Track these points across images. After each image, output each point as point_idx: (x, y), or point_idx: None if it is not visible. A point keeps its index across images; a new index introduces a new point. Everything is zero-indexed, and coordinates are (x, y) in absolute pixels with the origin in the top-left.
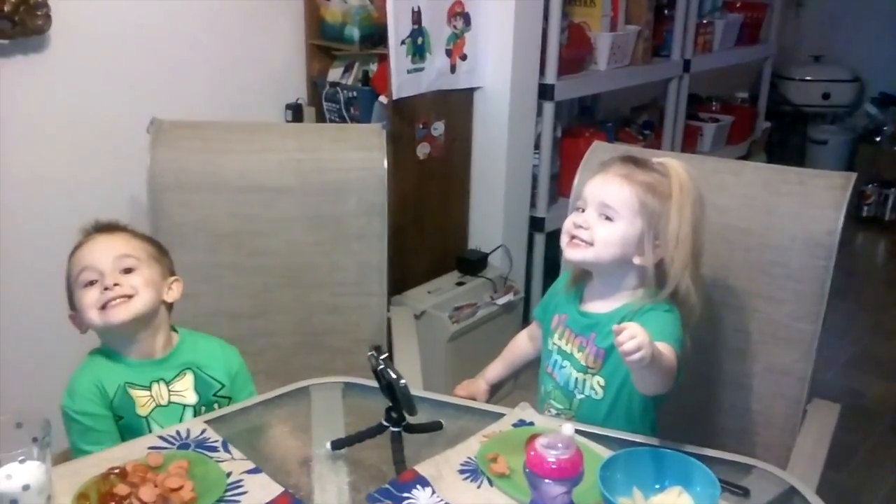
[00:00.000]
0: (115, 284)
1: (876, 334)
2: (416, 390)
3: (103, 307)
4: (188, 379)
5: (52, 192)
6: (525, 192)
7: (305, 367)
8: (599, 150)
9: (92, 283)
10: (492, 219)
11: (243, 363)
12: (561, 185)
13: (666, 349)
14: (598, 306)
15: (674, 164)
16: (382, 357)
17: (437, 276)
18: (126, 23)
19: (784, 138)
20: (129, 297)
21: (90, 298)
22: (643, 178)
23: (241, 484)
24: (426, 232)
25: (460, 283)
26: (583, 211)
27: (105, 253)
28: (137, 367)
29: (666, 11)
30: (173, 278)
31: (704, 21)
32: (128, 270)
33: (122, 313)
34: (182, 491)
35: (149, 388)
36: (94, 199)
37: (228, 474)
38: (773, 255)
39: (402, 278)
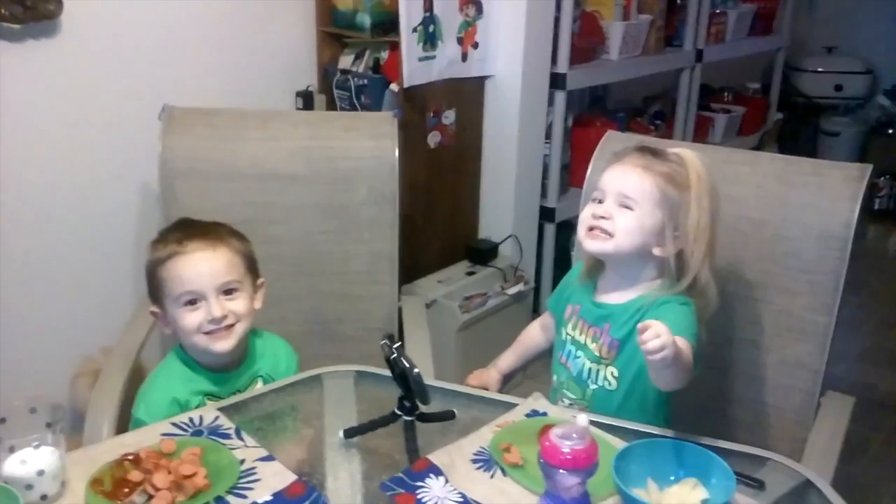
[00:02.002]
0: (223, 316)
1: (888, 327)
2: (429, 379)
3: (207, 333)
4: (258, 388)
5: (64, 178)
6: (536, 182)
7: (317, 355)
8: (612, 139)
9: (193, 302)
10: (502, 208)
11: (298, 367)
12: (572, 175)
13: (683, 344)
14: (612, 297)
15: (689, 154)
16: (396, 346)
17: (448, 265)
18: (138, 10)
19: (796, 130)
20: (233, 325)
21: (193, 321)
22: (662, 169)
23: (254, 471)
24: (436, 221)
25: (470, 273)
26: (601, 202)
27: (210, 278)
28: (218, 379)
29: (678, 1)
30: (260, 281)
31: (717, 11)
32: (230, 292)
33: (227, 343)
34: (195, 478)
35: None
36: (106, 186)
37: (241, 461)
38: (787, 247)
39: (412, 267)
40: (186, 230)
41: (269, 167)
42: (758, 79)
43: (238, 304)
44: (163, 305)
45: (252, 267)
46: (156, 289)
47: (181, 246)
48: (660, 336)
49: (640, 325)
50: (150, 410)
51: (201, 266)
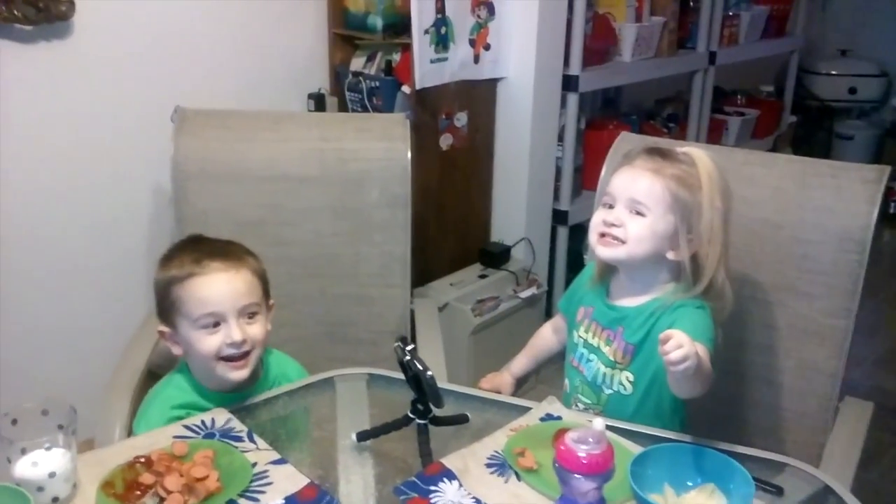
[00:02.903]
0: (243, 340)
1: None
2: (441, 383)
3: (225, 359)
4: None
5: (76, 180)
6: (548, 185)
7: (329, 358)
8: (626, 141)
9: (214, 325)
10: (515, 211)
11: None
12: (585, 178)
13: (703, 352)
14: (626, 300)
15: (699, 153)
16: (409, 348)
17: (460, 268)
18: (150, 11)
19: (810, 133)
20: (249, 352)
21: (212, 345)
22: (673, 171)
23: (266, 474)
24: (448, 224)
25: (483, 276)
26: (611, 207)
27: (232, 301)
28: (226, 400)
29: (691, 3)
30: (271, 303)
31: (730, 13)
32: (250, 315)
33: (244, 373)
34: (207, 481)
35: None
36: (119, 188)
37: (254, 465)
38: (804, 250)
39: (424, 270)
40: (203, 249)
41: (281, 169)
42: (771, 82)
43: (257, 328)
44: (175, 325)
45: (266, 289)
46: (169, 308)
47: (200, 266)
48: (682, 346)
49: (661, 336)
50: (150, 429)
51: (223, 288)
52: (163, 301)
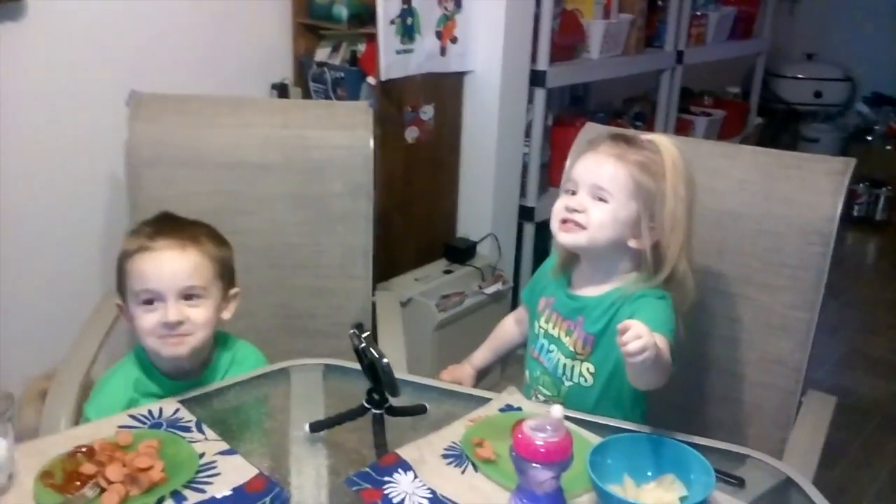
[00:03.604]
0: (178, 322)
1: (867, 333)
2: (401, 374)
3: (161, 337)
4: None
5: (29, 166)
6: (515, 181)
7: (287, 350)
8: (591, 131)
9: (150, 303)
10: (481, 207)
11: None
12: (551, 175)
13: (662, 343)
14: (587, 290)
15: (664, 141)
16: (364, 335)
17: (425, 263)
18: None
19: (776, 136)
20: (188, 334)
21: (148, 323)
22: (636, 158)
23: (214, 465)
24: (414, 218)
25: (448, 272)
26: (574, 193)
27: (171, 280)
28: (176, 387)
29: (659, 2)
30: (233, 292)
31: (698, 13)
32: (190, 297)
33: (178, 350)
34: (152, 471)
35: None
36: (72, 174)
37: (201, 455)
38: (768, 242)
39: (388, 265)
40: (161, 225)
41: (240, 155)
42: (738, 83)
43: (198, 312)
44: (125, 299)
45: (225, 274)
46: (121, 281)
47: (151, 241)
48: (641, 337)
49: (620, 326)
50: (101, 411)
51: (165, 266)
52: (118, 273)
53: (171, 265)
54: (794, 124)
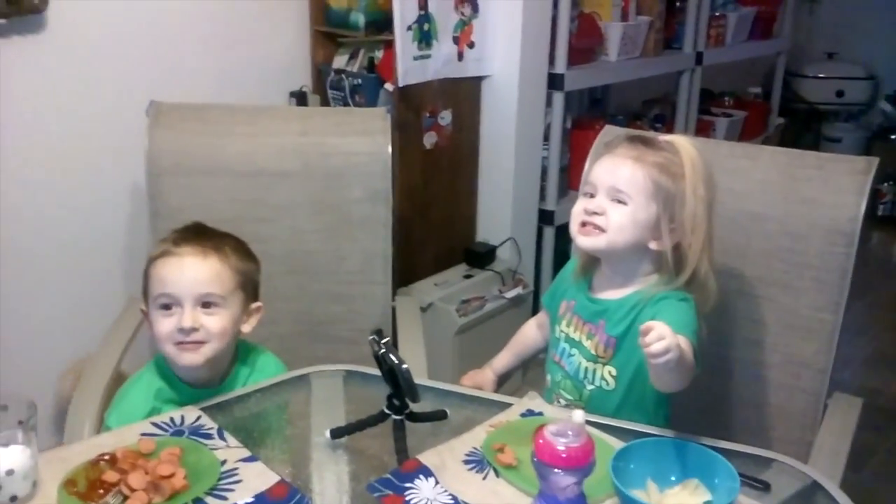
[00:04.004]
0: (193, 329)
1: (893, 333)
2: (421, 379)
3: (177, 343)
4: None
5: (50, 175)
6: (534, 184)
7: (308, 356)
8: (610, 134)
9: (168, 308)
10: (500, 211)
11: None
12: (571, 178)
13: (685, 345)
14: (608, 293)
15: (682, 141)
16: (384, 341)
17: (445, 268)
18: (126, 5)
19: (798, 136)
20: (203, 342)
21: (165, 328)
22: (655, 159)
23: (235, 472)
24: (433, 223)
25: (468, 276)
26: (592, 196)
27: (189, 286)
28: (196, 395)
29: (678, 3)
30: (255, 305)
31: (717, 14)
32: (208, 305)
33: (193, 359)
34: (174, 478)
35: None
36: (93, 183)
37: (223, 462)
38: (791, 243)
39: (408, 271)
40: (187, 233)
41: (259, 163)
42: (759, 84)
43: (214, 320)
44: (147, 303)
45: (248, 287)
46: (145, 285)
47: (175, 247)
48: (664, 338)
49: (642, 327)
50: (121, 420)
51: (185, 271)
52: (143, 278)
53: (191, 271)
54: (817, 124)
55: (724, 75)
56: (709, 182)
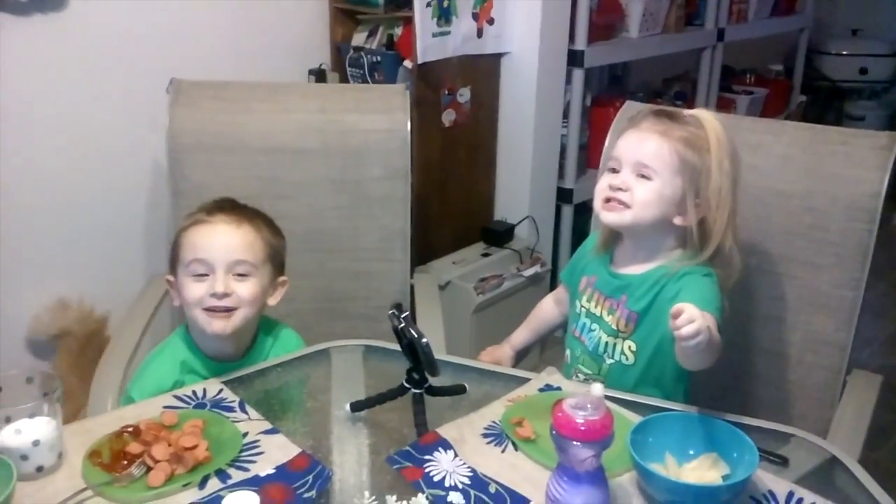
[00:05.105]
0: (225, 294)
1: None
2: (440, 354)
3: (207, 309)
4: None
5: (72, 153)
6: (553, 162)
7: (326, 333)
8: (631, 110)
9: (201, 275)
10: (518, 189)
11: None
12: (590, 156)
13: (711, 322)
14: (630, 268)
15: (706, 115)
16: (403, 315)
17: (463, 246)
18: None
19: (820, 114)
20: (234, 308)
21: (196, 293)
22: (680, 133)
23: (257, 444)
24: (451, 202)
25: (486, 255)
26: (617, 171)
27: (223, 252)
28: (219, 368)
29: None
30: (281, 279)
31: None
32: (240, 275)
33: (224, 325)
34: (196, 450)
35: None
36: (114, 161)
37: (245, 434)
38: (813, 219)
39: (426, 249)
40: (221, 203)
41: (279, 140)
42: (780, 61)
43: (244, 287)
44: (176, 273)
45: (275, 260)
46: (174, 254)
47: (208, 215)
48: (694, 321)
49: (673, 311)
50: (144, 392)
51: (219, 237)
52: (172, 248)
53: (224, 238)
54: (839, 102)
55: (745, 52)
56: (734, 156)
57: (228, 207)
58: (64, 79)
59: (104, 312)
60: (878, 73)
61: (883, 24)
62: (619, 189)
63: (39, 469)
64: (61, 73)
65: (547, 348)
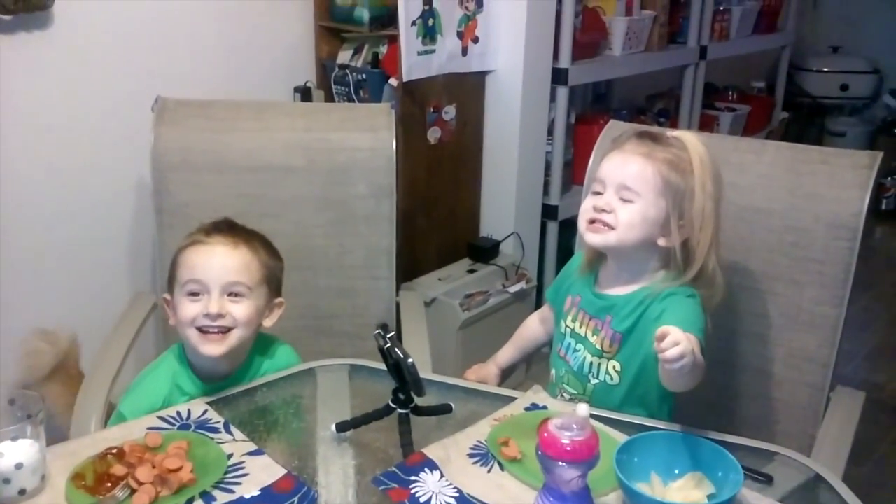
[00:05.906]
0: (219, 315)
1: None
2: (425, 373)
3: (201, 330)
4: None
5: (56, 171)
6: (538, 179)
7: (312, 351)
8: (615, 129)
9: (196, 294)
10: (504, 206)
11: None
12: (574, 173)
13: (695, 344)
14: (614, 289)
15: (689, 137)
16: (389, 335)
17: (448, 263)
18: (131, 1)
19: (802, 130)
20: (228, 329)
21: (190, 313)
22: (664, 155)
23: (242, 465)
24: (437, 218)
25: (471, 271)
26: (601, 193)
27: (219, 273)
28: (213, 389)
29: None
30: (277, 301)
31: (721, 8)
32: (235, 295)
33: (217, 349)
34: (181, 472)
35: None
36: (99, 179)
37: (229, 456)
38: (795, 237)
39: (412, 265)
40: (219, 225)
41: (264, 159)
42: (763, 78)
43: (239, 308)
44: (172, 292)
45: (272, 281)
46: (171, 274)
47: (206, 236)
48: (679, 343)
49: (657, 334)
50: (135, 409)
51: (215, 259)
52: (170, 268)
53: (220, 259)
54: (821, 118)
55: (728, 69)
56: (717, 178)
57: (226, 229)
58: (48, 96)
59: (84, 331)
60: (859, 90)
61: (863, 42)
62: (604, 210)
63: (22, 492)
64: (46, 91)
65: (533, 364)
